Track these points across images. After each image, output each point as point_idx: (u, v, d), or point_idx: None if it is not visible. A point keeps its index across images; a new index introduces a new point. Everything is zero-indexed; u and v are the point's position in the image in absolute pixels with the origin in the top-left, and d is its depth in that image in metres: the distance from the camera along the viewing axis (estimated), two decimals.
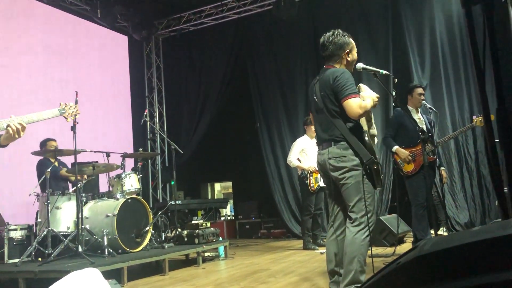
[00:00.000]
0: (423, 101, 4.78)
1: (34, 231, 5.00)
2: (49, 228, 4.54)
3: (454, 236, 0.86)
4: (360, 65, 3.15)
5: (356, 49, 3.10)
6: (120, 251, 4.73)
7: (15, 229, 4.88)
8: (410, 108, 4.86)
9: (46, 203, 4.63)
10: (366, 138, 2.93)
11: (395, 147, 4.74)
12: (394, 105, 6.84)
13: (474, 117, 5.05)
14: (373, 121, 3.10)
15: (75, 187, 4.83)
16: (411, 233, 5.07)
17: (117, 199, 5.04)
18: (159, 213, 6.04)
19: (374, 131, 3.10)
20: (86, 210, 4.98)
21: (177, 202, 6.39)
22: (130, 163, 7.19)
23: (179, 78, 9.58)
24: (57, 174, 5.45)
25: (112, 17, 7.93)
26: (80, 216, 4.52)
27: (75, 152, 4.54)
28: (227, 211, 10.18)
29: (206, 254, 5.85)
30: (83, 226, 4.59)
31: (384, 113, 7.40)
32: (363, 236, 2.82)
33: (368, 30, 7.68)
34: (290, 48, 8.44)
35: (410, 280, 0.84)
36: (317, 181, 6.09)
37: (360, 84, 3.09)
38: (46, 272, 3.83)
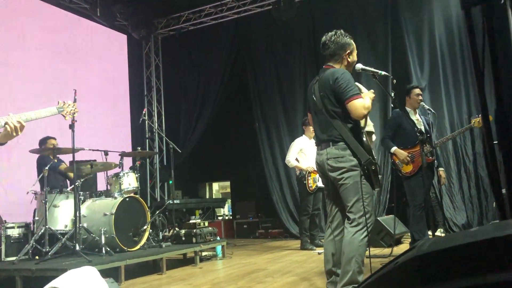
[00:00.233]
0: (422, 102, 4.78)
1: (32, 229, 4.99)
2: (47, 226, 4.53)
3: (452, 236, 0.86)
4: (359, 65, 3.16)
5: (356, 51, 3.11)
6: (117, 249, 4.72)
7: (13, 227, 4.88)
8: (408, 109, 4.86)
9: (43, 201, 4.63)
10: (365, 138, 2.94)
11: (394, 148, 4.74)
12: (393, 106, 6.85)
13: (472, 118, 5.06)
14: (368, 117, 3.10)
15: (73, 185, 4.82)
16: (409, 234, 5.07)
17: (115, 198, 5.04)
18: (157, 212, 6.04)
19: (370, 127, 3.10)
20: (84, 209, 4.97)
21: (175, 201, 6.39)
22: (128, 161, 7.19)
23: (178, 77, 9.58)
24: (56, 170, 5.43)
25: (111, 15, 7.92)
26: (77, 215, 4.51)
27: (73, 151, 4.54)
28: (225, 210, 10.18)
29: (204, 253, 5.85)
30: (80, 225, 4.58)
31: (382, 114, 7.41)
32: (361, 236, 2.82)
33: (368, 31, 7.69)
34: (289, 48, 8.45)
35: (407, 280, 0.84)
36: (315, 181, 6.09)
37: (356, 83, 3.10)
38: (43, 270, 3.83)
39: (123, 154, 5.65)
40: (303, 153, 6.27)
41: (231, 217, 9.81)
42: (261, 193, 8.86)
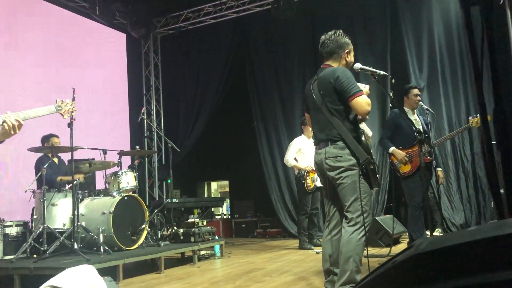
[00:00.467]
0: (420, 102, 4.79)
1: (30, 228, 4.98)
2: (45, 225, 4.52)
3: (450, 235, 0.86)
4: (358, 65, 3.17)
5: (353, 53, 3.14)
6: (115, 248, 4.72)
7: (11, 226, 4.87)
8: (406, 109, 4.86)
9: (42, 200, 4.61)
10: (363, 138, 2.94)
11: (392, 148, 4.74)
12: (391, 106, 6.85)
13: (470, 117, 5.05)
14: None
15: (71, 184, 4.81)
16: (407, 233, 5.08)
17: (113, 197, 5.03)
18: (155, 211, 6.03)
19: (363, 125, 3.11)
20: (82, 207, 4.97)
21: (173, 200, 6.38)
22: (126, 160, 7.19)
23: (177, 76, 9.57)
24: (54, 169, 5.41)
25: (110, 14, 7.91)
26: (76, 213, 4.51)
27: (71, 149, 4.53)
28: (224, 210, 10.18)
29: (202, 252, 5.85)
30: (79, 223, 4.58)
31: (381, 114, 7.42)
32: (359, 236, 2.82)
33: (367, 31, 7.69)
34: (288, 48, 8.45)
35: (405, 279, 0.84)
36: (314, 181, 6.10)
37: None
38: (41, 268, 3.82)
39: (121, 153, 5.64)
40: (301, 152, 6.27)
41: (229, 216, 9.81)
42: (259, 192, 8.85)
